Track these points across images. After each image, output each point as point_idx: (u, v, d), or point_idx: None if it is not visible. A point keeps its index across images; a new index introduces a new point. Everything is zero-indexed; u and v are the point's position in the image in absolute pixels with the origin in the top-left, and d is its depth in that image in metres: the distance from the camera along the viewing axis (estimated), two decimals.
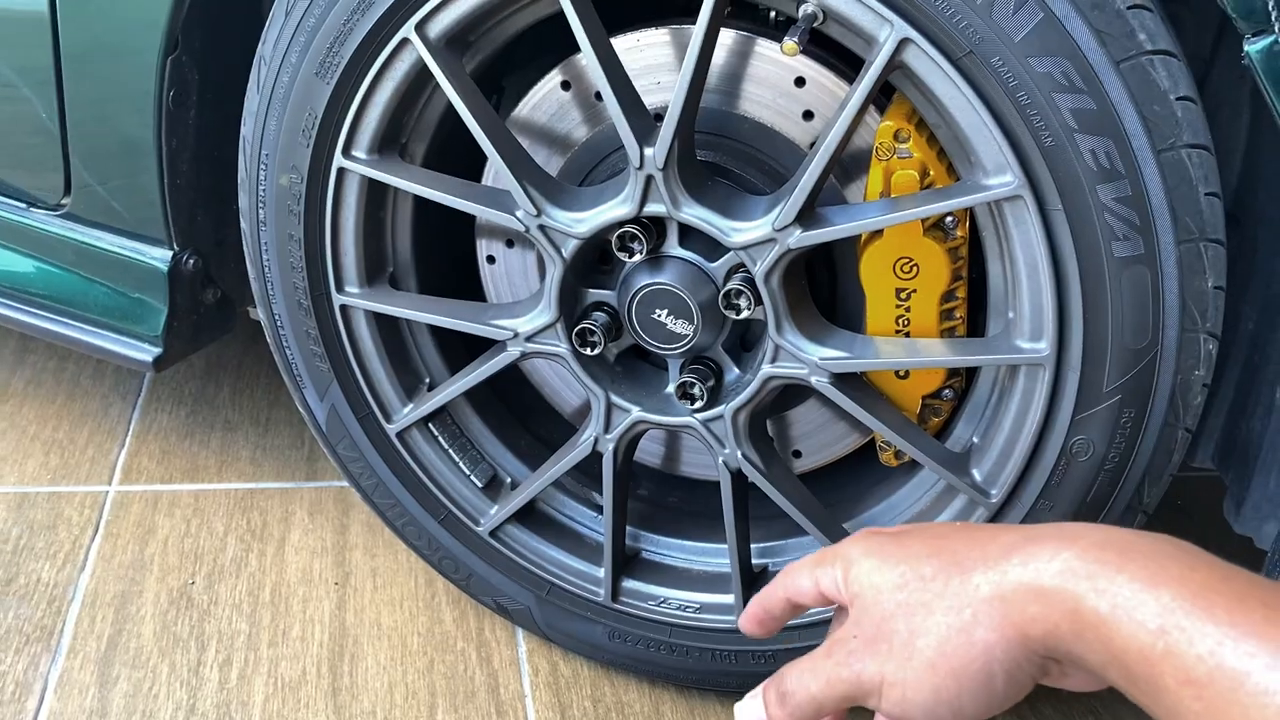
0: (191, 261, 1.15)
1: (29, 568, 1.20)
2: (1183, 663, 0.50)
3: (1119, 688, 0.55)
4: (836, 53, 0.89)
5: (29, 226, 1.18)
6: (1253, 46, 0.71)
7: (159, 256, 1.14)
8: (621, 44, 0.93)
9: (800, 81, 0.91)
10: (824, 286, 0.97)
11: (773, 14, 0.94)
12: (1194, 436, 0.93)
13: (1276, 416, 0.90)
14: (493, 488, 1.10)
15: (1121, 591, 0.53)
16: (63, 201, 1.15)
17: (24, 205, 1.18)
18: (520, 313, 0.98)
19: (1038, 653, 0.57)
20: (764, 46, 0.91)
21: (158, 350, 1.16)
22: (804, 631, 1.00)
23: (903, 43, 0.78)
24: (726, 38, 0.91)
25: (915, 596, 0.61)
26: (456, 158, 1.01)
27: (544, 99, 0.99)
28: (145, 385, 1.52)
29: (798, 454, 1.07)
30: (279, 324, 1.05)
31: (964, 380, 0.96)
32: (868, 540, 0.67)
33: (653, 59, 0.94)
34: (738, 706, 0.70)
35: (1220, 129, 0.89)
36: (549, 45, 0.97)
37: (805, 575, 0.70)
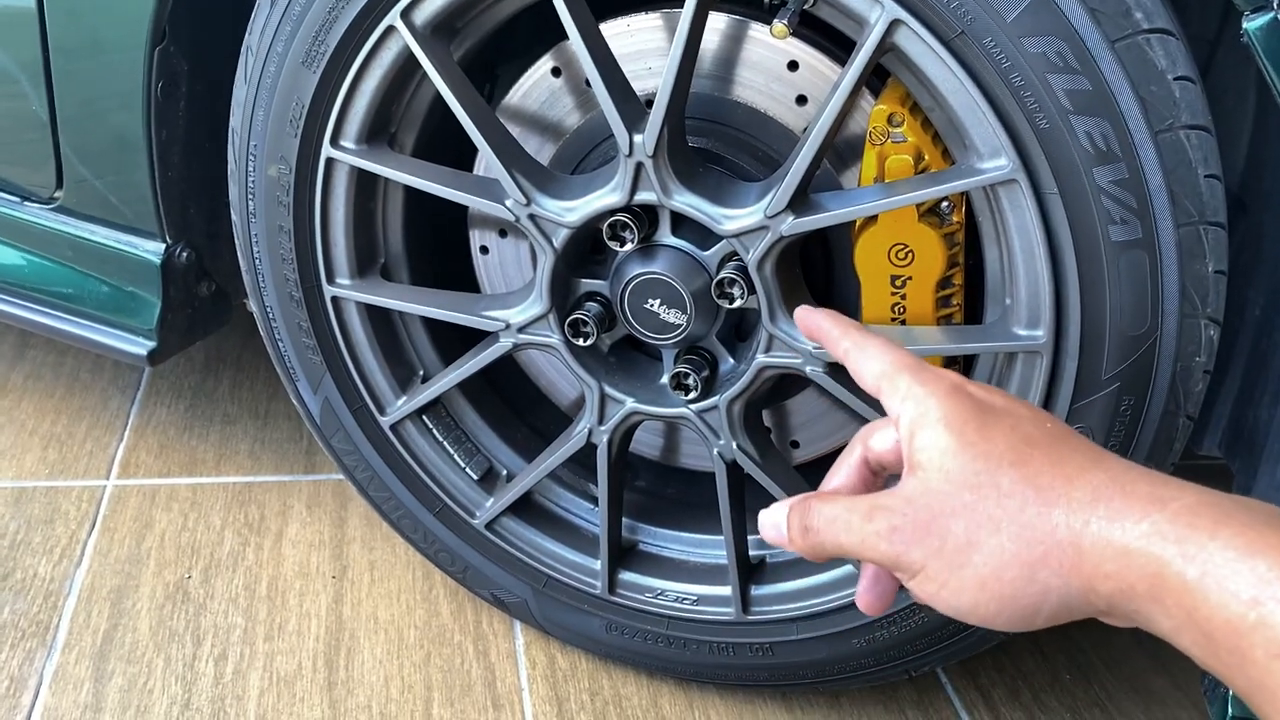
0: (185, 254, 1.14)
1: (25, 563, 1.20)
2: (1277, 635, 0.48)
3: (1189, 653, 0.52)
4: (830, 36, 0.87)
5: (23, 220, 1.17)
6: (1252, 24, 0.69)
7: (151, 250, 1.13)
8: (611, 29, 0.92)
9: (794, 66, 0.90)
10: (818, 274, 0.96)
11: None
12: (1200, 424, 0.91)
13: None
14: (488, 480, 1.09)
15: (1213, 559, 0.50)
16: (55, 195, 1.15)
17: (18, 199, 1.18)
18: (512, 304, 0.97)
19: (1097, 605, 0.55)
20: (757, 30, 0.90)
21: (152, 344, 1.16)
22: (800, 624, 0.99)
23: (893, 24, 0.76)
24: (719, 21, 0.90)
25: (985, 507, 0.57)
26: (448, 147, 1.00)
27: (534, 86, 0.98)
28: (144, 379, 1.51)
29: (795, 444, 1.05)
30: (271, 316, 1.04)
31: (962, 368, 0.94)
32: (953, 402, 0.61)
33: (644, 44, 0.93)
34: (763, 512, 0.67)
35: (1225, 111, 0.87)
36: (545, 31, 0.96)
37: (873, 372, 0.65)
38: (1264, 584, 0.48)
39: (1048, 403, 0.84)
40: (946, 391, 0.61)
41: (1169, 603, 0.51)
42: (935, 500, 0.58)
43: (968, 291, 0.90)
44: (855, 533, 0.60)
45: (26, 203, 1.17)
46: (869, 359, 0.66)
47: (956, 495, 0.58)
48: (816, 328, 0.73)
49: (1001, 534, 0.56)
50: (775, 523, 0.66)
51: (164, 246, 1.13)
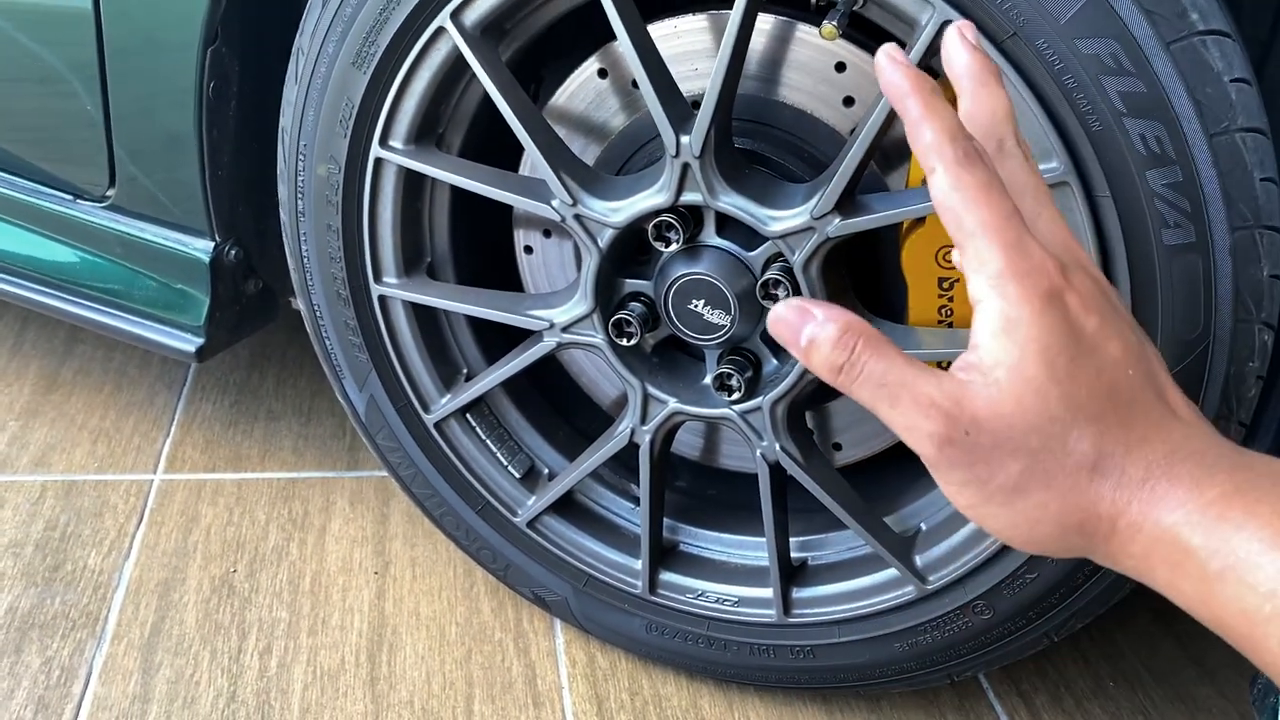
0: (233, 252, 1.16)
1: (76, 555, 1.22)
2: None
3: (1203, 622, 0.53)
4: (879, 37, 0.87)
5: (76, 218, 1.20)
6: None
7: (201, 247, 1.14)
8: (659, 30, 0.92)
9: (841, 67, 0.90)
10: (865, 276, 0.95)
11: None
12: (1251, 429, 0.90)
13: None
14: (530, 479, 1.09)
15: (1236, 552, 0.50)
16: (108, 193, 1.17)
17: (71, 197, 1.20)
18: (556, 303, 0.97)
19: (1122, 571, 0.56)
20: (804, 31, 0.90)
21: (200, 341, 1.17)
22: (842, 627, 0.99)
23: (944, 25, 0.76)
24: (766, 23, 0.90)
25: (1045, 460, 0.54)
26: (495, 147, 1.01)
27: (581, 87, 0.98)
28: (190, 375, 1.53)
29: (838, 447, 1.05)
30: (318, 314, 1.05)
31: None
32: (1047, 322, 0.54)
33: (691, 45, 0.93)
34: (784, 305, 0.58)
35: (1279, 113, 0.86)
36: (591, 33, 0.96)
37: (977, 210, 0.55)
38: None
39: None
40: (1043, 304, 0.54)
41: (1185, 588, 0.52)
42: (1001, 432, 0.54)
43: None
44: (902, 413, 0.55)
45: (79, 200, 1.19)
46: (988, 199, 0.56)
47: (1024, 437, 0.54)
48: (891, 83, 0.59)
49: (1051, 489, 0.54)
50: (809, 333, 0.57)
51: (213, 245, 1.14)
